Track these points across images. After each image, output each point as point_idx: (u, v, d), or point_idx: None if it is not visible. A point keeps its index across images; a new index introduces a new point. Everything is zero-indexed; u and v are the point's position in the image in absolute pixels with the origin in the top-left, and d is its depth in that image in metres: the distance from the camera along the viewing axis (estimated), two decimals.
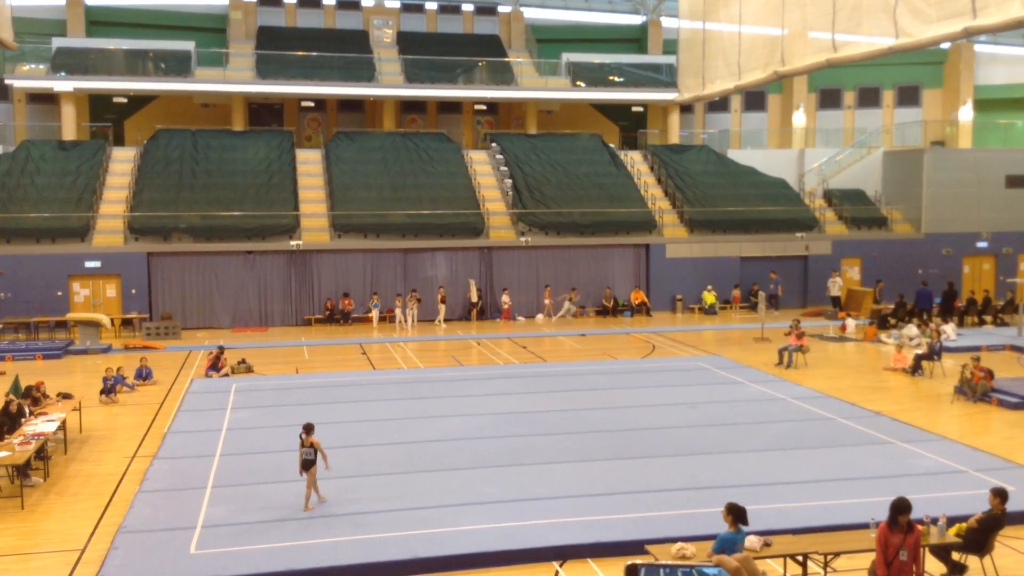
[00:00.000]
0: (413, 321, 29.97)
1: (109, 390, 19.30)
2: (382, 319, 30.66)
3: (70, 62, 34.98)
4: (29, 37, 35.82)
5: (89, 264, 29.25)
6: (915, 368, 21.44)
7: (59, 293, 28.90)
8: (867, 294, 32.33)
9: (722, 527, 9.12)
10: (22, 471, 13.05)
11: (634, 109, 41.21)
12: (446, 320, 30.93)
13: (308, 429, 12.13)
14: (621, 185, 35.25)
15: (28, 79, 35.06)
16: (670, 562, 1.70)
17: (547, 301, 32.10)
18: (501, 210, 33.73)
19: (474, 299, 31.66)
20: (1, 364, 23.53)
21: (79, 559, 10.66)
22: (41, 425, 14.44)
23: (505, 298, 32.00)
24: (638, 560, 1.76)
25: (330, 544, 10.68)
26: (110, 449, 15.58)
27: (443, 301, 30.84)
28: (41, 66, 35.17)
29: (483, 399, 18.75)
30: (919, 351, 22.23)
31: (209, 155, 33.88)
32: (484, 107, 41.02)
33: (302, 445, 12.04)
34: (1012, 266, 35.77)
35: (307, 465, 11.99)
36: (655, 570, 1.74)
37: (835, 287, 32.64)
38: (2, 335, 27.56)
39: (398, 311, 30.25)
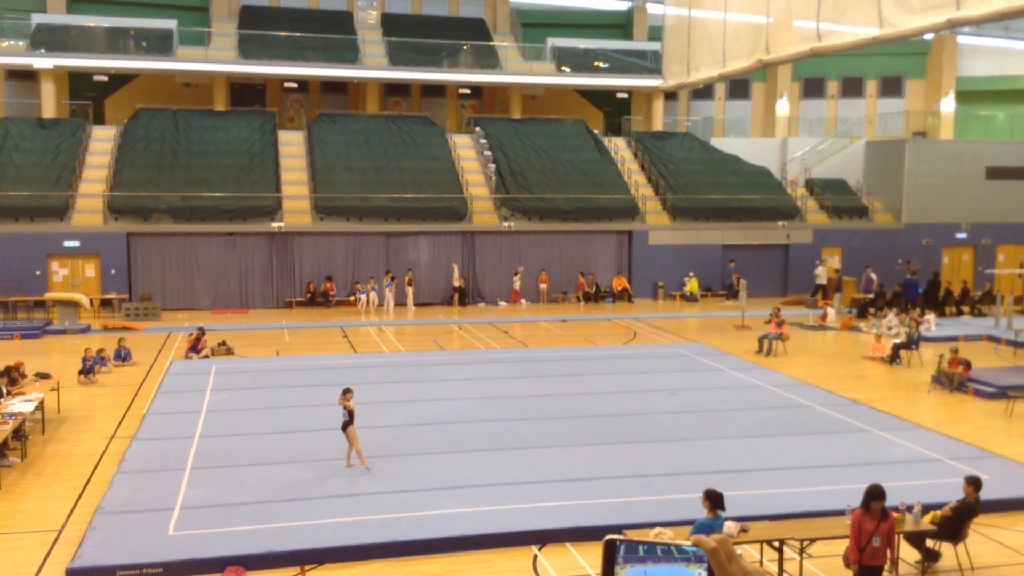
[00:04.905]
0: (389, 305, 29.85)
1: (88, 370, 19.19)
2: (358, 302, 30.41)
3: (50, 39, 34.54)
4: (8, 13, 35.40)
5: (68, 243, 29.00)
6: (893, 357, 21.62)
7: (37, 272, 28.65)
8: (848, 283, 32.51)
9: (700, 512, 9.20)
10: None
11: (618, 95, 41.16)
12: (417, 304, 30.76)
13: (344, 393, 12.81)
14: (604, 171, 35.25)
15: (7, 55, 34.58)
16: (649, 539, 1.72)
17: (543, 285, 32.26)
18: (484, 195, 33.67)
19: (456, 284, 31.61)
20: None
21: (56, 539, 10.62)
22: (19, 405, 14.34)
23: (516, 281, 31.97)
24: (617, 536, 1.77)
25: (310, 526, 10.68)
26: (88, 430, 15.51)
27: (410, 284, 30.65)
28: (20, 42, 34.71)
29: (464, 383, 18.76)
30: (897, 340, 22.42)
31: (190, 135, 33.61)
32: (468, 91, 40.85)
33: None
34: (991, 257, 36.06)
35: (344, 425, 12.71)
36: (634, 546, 1.76)
37: (822, 276, 32.78)
38: None
39: (374, 293, 30.14)
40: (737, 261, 33.76)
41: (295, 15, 39.25)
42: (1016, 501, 11.84)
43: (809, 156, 39.08)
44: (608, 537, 1.67)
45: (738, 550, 1.68)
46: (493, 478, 12.50)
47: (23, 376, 16.64)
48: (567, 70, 39.07)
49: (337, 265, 31.31)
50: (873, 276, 31.52)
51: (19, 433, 13.86)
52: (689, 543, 1.68)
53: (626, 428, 15.27)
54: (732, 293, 28.18)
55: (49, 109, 34.67)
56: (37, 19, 35.32)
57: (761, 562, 9.84)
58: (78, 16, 36.73)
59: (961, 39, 42.90)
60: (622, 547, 1.67)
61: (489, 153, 35.57)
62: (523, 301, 31.94)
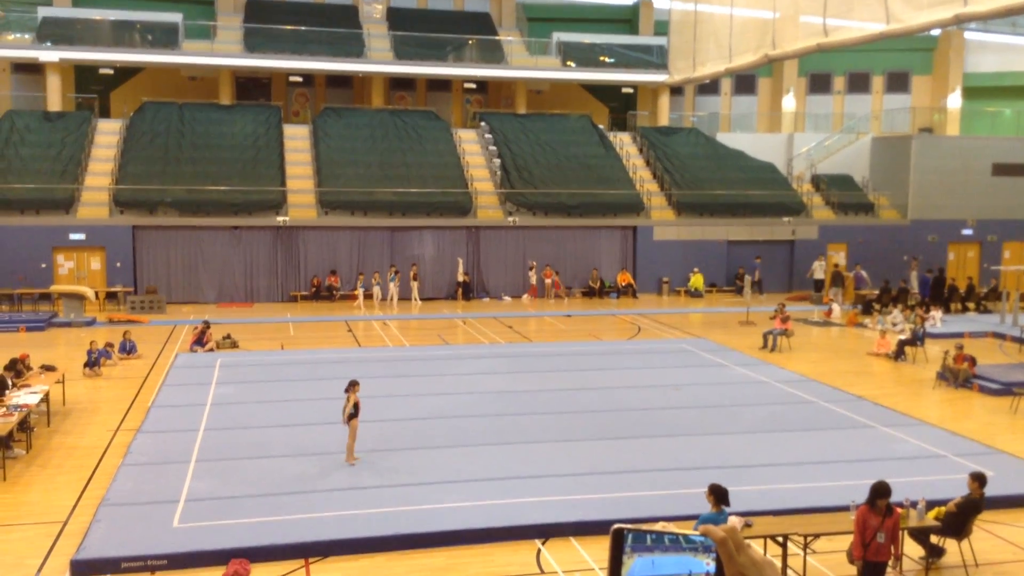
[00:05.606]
0: (394, 299, 29.85)
1: (93, 363, 19.22)
2: (367, 296, 30.39)
3: (56, 32, 34.56)
4: (14, 6, 35.41)
5: (74, 236, 29.04)
6: (898, 354, 21.58)
7: (43, 265, 28.70)
8: (851, 279, 32.45)
9: (704, 508, 9.21)
10: (4, 443, 12.98)
11: (624, 90, 41.06)
12: (421, 299, 30.76)
13: (350, 386, 12.80)
14: (609, 167, 35.20)
15: (13, 48, 34.63)
16: (657, 528, 1.70)
17: (548, 280, 32.19)
18: (489, 189, 33.64)
19: (460, 278, 31.60)
20: None
21: (61, 531, 10.65)
22: (24, 397, 14.38)
23: (532, 276, 31.94)
24: (625, 525, 1.76)
25: (314, 519, 10.70)
26: (93, 422, 15.55)
27: (415, 278, 30.64)
28: (26, 35, 34.74)
29: (468, 378, 18.77)
30: (902, 337, 22.38)
31: (196, 128, 33.62)
32: (474, 85, 40.77)
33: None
34: (996, 254, 35.96)
35: (348, 417, 12.72)
36: (642, 535, 1.76)
37: (820, 271, 32.74)
38: None
39: (377, 288, 30.14)
40: (744, 257, 33.66)
41: (300, 9, 39.22)
42: (1021, 498, 11.82)
43: (815, 152, 38.98)
44: (616, 526, 1.67)
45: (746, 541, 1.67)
46: (497, 472, 12.51)
47: (28, 368, 16.71)
48: (572, 65, 39.00)
49: (342, 259, 31.31)
50: (863, 273, 31.48)
51: (24, 425, 13.89)
52: (697, 534, 1.69)
53: (630, 423, 15.27)
54: (750, 287, 27.95)
55: (55, 102, 34.69)
56: (43, 12, 35.32)
57: None
58: (84, 9, 36.71)
59: (968, 35, 42.72)
60: (629, 536, 1.67)
61: (494, 148, 35.53)
62: (526, 297, 31.90)
